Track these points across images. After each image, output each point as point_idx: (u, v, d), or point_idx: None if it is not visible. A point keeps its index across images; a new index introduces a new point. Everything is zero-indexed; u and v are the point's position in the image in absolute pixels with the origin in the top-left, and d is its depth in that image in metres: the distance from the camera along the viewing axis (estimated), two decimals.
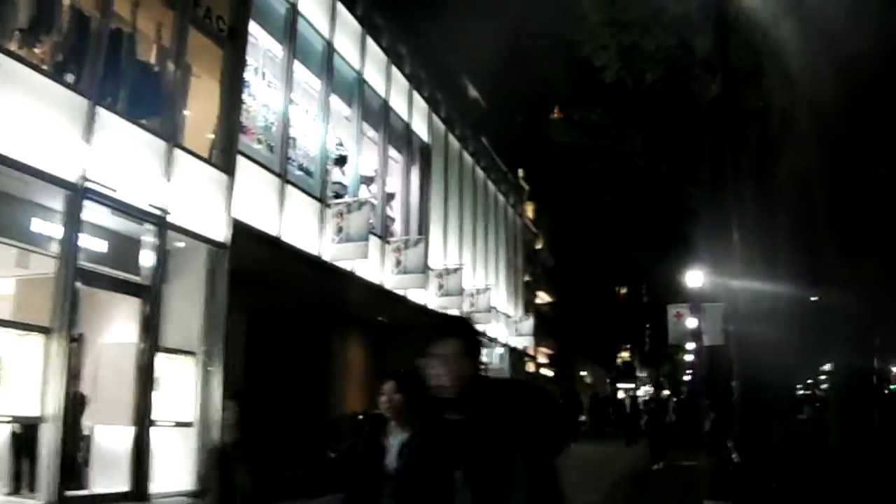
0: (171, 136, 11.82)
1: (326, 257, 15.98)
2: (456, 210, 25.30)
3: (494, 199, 31.52)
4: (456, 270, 22.43)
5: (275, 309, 17.06)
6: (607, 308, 66.99)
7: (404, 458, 3.98)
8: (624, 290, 78.08)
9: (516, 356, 34.21)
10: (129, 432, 10.93)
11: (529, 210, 42.09)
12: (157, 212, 11.30)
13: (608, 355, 75.33)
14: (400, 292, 19.87)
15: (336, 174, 18.13)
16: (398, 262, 19.02)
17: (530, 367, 40.53)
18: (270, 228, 14.30)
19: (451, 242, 24.40)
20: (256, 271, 14.81)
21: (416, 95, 22.14)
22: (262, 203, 14.22)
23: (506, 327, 32.02)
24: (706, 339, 26.79)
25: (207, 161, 12.79)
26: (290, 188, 15.04)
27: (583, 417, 37.76)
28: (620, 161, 22.13)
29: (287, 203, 14.81)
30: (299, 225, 15.34)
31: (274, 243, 14.32)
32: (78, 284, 10.13)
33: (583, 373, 61.83)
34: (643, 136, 20.59)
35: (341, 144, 18.55)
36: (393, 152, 21.27)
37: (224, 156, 13.14)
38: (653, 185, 22.23)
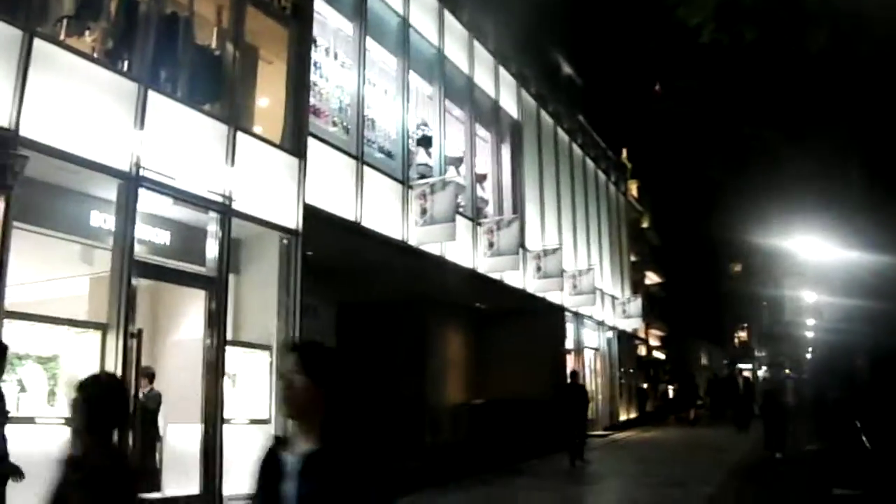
0: (233, 119, 11.02)
1: (412, 241, 15.03)
2: (553, 189, 24.01)
3: (594, 176, 30.00)
4: (555, 251, 21.18)
5: (365, 299, 16.27)
6: (721, 286, 64.31)
7: (306, 484, 2.71)
8: (738, 268, 74.89)
9: (626, 339, 32.69)
10: (213, 431, 10.24)
11: (633, 188, 40.34)
12: (221, 199, 10.54)
13: (724, 335, 72.44)
14: (495, 276, 18.80)
15: (421, 156, 17.20)
16: (490, 245, 17.92)
17: (641, 350, 38.90)
18: (348, 213, 13.41)
19: (550, 223, 23.15)
20: (340, 260, 14.01)
21: (502, 71, 20.97)
22: (339, 187, 13.33)
23: (612, 309, 30.57)
24: (826, 313, 24.96)
25: (275, 145, 11.96)
26: (369, 171, 14.11)
27: (699, 401, 35.81)
28: (725, 130, 20.57)
29: (366, 186, 13.87)
30: (381, 209, 14.41)
31: (353, 229, 13.42)
32: (136, 278, 9.46)
33: (698, 354, 59.50)
34: (747, 102, 19.05)
35: (425, 125, 17.58)
36: (482, 131, 20.20)
37: (294, 139, 12.31)
38: (760, 153, 20.59)
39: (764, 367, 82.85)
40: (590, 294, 24.23)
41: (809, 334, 63.52)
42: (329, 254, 13.61)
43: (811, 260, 22.65)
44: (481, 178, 19.99)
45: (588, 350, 27.32)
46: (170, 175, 9.77)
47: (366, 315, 15.97)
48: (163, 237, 10.65)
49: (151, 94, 9.76)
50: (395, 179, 15.05)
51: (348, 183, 13.55)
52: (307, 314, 14.38)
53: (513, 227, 17.86)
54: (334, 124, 14.22)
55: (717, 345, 67.49)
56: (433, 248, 15.91)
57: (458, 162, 18.77)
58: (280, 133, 12.38)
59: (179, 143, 10.07)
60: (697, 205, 56.82)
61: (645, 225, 42.87)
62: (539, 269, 20.94)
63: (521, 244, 20.21)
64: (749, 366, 77.19)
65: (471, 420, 18.28)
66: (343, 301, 15.79)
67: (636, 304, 31.45)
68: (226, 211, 10.63)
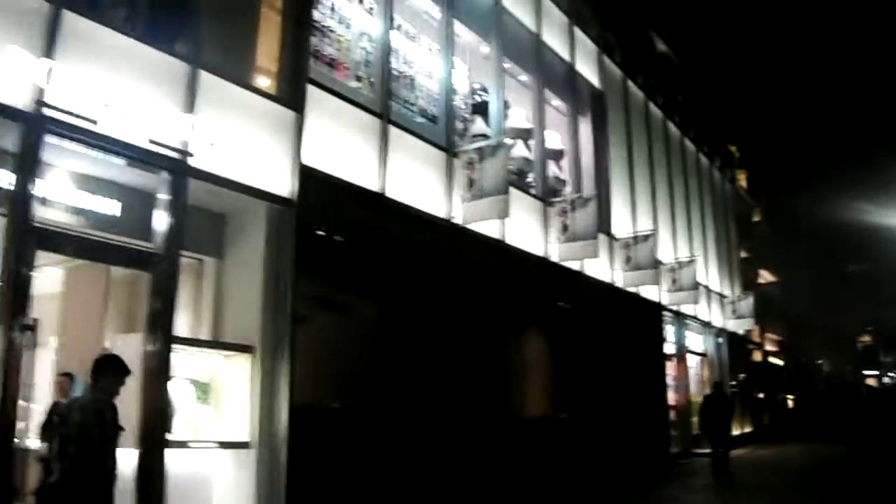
0: (197, 57, 8.32)
1: (458, 220, 12.07)
2: (644, 170, 20.50)
3: (696, 159, 26.13)
4: (647, 238, 17.74)
5: (414, 294, 13.26)
6: (842, 287, 58.80)
7: None
8: (861, 268, 68.88)
9: (737, 343, 28.69)
10: (150, 456, 7.47)
11: (742, 179, 36.18)
12: (172, 154, 7.84)
13: (846, 340, 66.60)
14: (573, 266, 15.62)
15: (479, 125, 14.25)
16: (564, 228, 14.76)
17: (756, 356, 34.71)
18: (369, 183, 10.52)
19: (641, 208, 19.65)
20: (374, 246, 11.15)
21: (578, 33, 17.72)
22: (356, 151, 10.44)
23: (721, 309, 26.75)
24: None
25: (260, 92, 9.19)
26: (398, 133, 11.19)
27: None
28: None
29: (393, 151, 10.97)
30: (417, 179, 11.50)
31: (375, 201, 10.54)
32: (36, 252, 6.83)
33: (819, 361, 54.42)
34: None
35: (484, 90, 14.63)
36: (555, 101, 17.07)
37: (289, 87, 9.55)
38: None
39: (890, 374, 76.49)
40: (692, 290, 20.62)
41: None
42: (359, 238, 10.77)
43: None
44: (556, 155, 16.83)
45: (692, 355, 23.65)
46: (90, 118, 7.11)
47: (416, 314, 12.94)
48: (107, 206, 8.04)
49: (68, 16, 7.15)
50: (436, 145, 12.10)
51: (368, 146, 10.67)
52: (340, 312, 11.56)
53: (590, 207, 14.60)
54: (357, 79, 11.41)
55: (840, 350, 62.01)
56: (492, 232, 12.97)
57: (525, 134, 15.71)
58: (274, 82, 9.68)
59: (108, 81, 7.36)
60: (814, 199, 52.11)
61: (756, 219, 38.54)
62: (629, 259, 17.60)
63: (605, 230, 17.01)
64: (875, 372, 71.22)
65: (553, 438, 15.09)
66: (386, 298, 12.88)
67: (748, 303, 27.46)
68: (179, 169, 7.90)
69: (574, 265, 15.58)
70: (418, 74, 12.83)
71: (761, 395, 32.63)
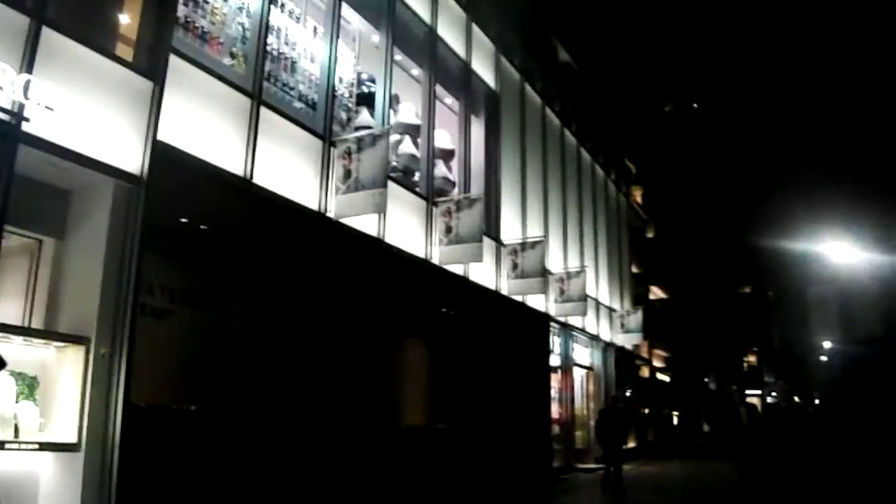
0: (39, 10, 7.57)
1: (331, 213, 11.53)
2: (538, 177, 20.41)
3: (591, 169, 26.31)
4: (534, 245, 17.57)
5: (285, 288, 12.62)
6: (729, 308, 60.65)
7: None
8: (747, 289, 71.36)
9: (625, 358, 28.97)
10: None
11: (637, 195, 36.71)
12: (1, 116, 7.08)
13: (733, 359, 68.70)
14: (457, 271, 15.27)
15: (364, 117, 13.78)
16: (448, 229, 14.42)
17: (644, 372, 35.18)
18: (234, 166, 9.90)
19: (532, 215, 19.56)
20: (243, 236, 10.49)
21: (476, 31, 17.46)
22: (221, 131, 9.81)
23: (609, 322, 26.94)
24: (860, 328, 21.46)
25: (113, 57, 8.46)
26: (269, 115, 10.62)
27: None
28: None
29: (263, 135, 10.36)
30: (289, 168, 10.94)
31: (240, 187, 9.92)
32: None
33: (705, 379, 55.79)
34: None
35: (372, 80, 14.19)
36: (447, 98, 16.76)
37: (149, 56, 8.86)
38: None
39: (773, 393, 79.24)
40: (580, 301, 20.57)
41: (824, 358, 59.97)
42: (221, 225, 10.11)
43: (842, 266, 19.12)
44: (446, 155, 16.48)
45: (578, 368, 23.67)
46: None
47: (285, 312, 12.32)
48: None
49: None
50: (313, 133, 11.56)
51: (237, 128, 10.05)
52: (198, 306, 10.85)
53: (475, 209, 14.32)
54: (232, 56, 10.79)
55: (725, 369, 63.84)
56: (370, 229, 12.50)
57: (414, 131, 15.34)
58: (132, 48, 8.98)
59: None
60: (708, 220, 53.57)
61: (650, 235, 39.18)
62: (516, 266, 17.39)
63: (493, 234, 16.80)
64: (758, 392, 73.67)
65: (429, 450, 14.66)
66: (251, 292, 12.20)
67: (637, 318, 27.76)
68: (9, 135, 7.14)
69: (458, 269, 15.25)
70: (301, 58, 12.27)
71: (647, 411, 33.07)
